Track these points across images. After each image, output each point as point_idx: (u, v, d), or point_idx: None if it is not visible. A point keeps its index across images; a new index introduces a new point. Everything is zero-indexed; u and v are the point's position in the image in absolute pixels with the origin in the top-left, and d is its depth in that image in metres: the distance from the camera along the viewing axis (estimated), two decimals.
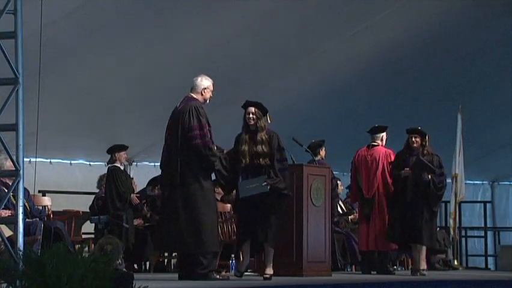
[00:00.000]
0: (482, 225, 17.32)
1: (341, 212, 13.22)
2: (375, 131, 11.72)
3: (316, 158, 11.49)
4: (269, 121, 9.30)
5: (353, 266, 13.04)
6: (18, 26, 6.45)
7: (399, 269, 13.10)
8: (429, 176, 11.04)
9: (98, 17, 10.35)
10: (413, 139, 11.16)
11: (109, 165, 11.70)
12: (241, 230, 9.49)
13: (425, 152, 11.15)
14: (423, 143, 11.16)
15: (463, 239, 16.27)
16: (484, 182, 18.82)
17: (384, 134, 11.70)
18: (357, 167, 11.75)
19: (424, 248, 11.14)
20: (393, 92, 14.12)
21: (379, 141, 11.68)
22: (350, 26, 12.30)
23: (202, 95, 9.14)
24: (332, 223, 11.15)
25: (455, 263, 14.15)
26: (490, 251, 16.91)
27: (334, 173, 12.13)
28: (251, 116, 9.15)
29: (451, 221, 14.42)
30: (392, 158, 11.48)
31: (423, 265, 11.11)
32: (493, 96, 15.09)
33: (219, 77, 11.76)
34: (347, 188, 13.41)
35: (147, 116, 12.32)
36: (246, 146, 9.13)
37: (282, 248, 9.82)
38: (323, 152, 11.91)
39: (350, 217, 13.33)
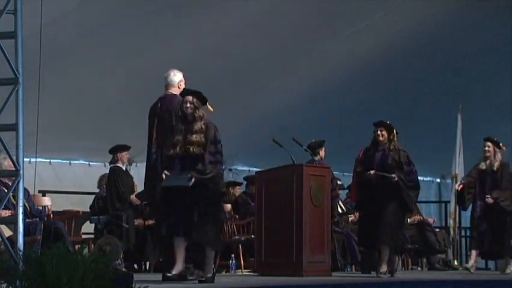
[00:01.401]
0: None
1: (340, 212, 13.21)
2: None
3: (316, 158, 11.47)
4: (211, 110, 8.76)
5: (353, 266, 13.04)
6: (18, 26, 6.45)
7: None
8: (396, 177, 10.43)
9: (98, 17, 10.35)
10: (379, 132, 10.61)
11: (111, 165, 11.70)
12: (165, 223, 8.68)
13: (392, 147, 10.56)
14: (391, 138, 10.60)
15: (463, 239, 16.23)
16: None
17: None
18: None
19: (386, 250, 10.55)
20: (393, 92, 14.11)
21: None
22: (349, 25, 12.31)
23: (179, 88, 9.14)
24: (332, 223, 11.14)
25: (455, 263, 14.12)
26: None
27: (334, 173, 12.12)
28: (189, 105, 8.59)
29: (451, 221, 14.38)
30: None
31: (383, 268, 10.49)
32: (493, 96, 15.08)
33: (219, 77, 11.82)
34: (346, 188, 13.40)
35: (147, 116, 12.30)
36: (180, 136, 8.59)
37: (282, 248, 9.81)
38: (322, 152, 11.88)
39: (350, 217, 13.33)
